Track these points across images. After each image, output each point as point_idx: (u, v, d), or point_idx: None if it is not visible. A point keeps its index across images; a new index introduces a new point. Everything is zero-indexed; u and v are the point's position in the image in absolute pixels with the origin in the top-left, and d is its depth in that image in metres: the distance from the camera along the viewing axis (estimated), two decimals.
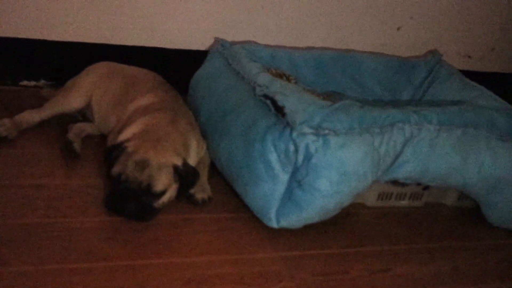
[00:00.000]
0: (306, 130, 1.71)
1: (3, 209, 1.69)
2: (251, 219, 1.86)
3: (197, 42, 2.72)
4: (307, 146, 1.70)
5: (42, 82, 2.63)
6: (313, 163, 1.70)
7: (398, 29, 3.01)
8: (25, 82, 2.62)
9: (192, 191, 1.89)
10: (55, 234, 1.63)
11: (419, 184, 2.04)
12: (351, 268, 1.73)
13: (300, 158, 1.73)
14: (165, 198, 1.78)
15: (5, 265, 1.47)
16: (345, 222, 1.96)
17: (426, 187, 2.10)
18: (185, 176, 1.80)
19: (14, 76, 2.59)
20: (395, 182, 2.01)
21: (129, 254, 1.61)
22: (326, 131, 1.71)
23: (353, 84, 2.66)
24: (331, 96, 2.39)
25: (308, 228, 1.84)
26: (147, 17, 2.62)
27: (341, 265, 1.74)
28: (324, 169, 1.70)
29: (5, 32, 2.48)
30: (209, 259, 1.66)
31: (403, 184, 2.03)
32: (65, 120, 2.25)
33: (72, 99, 2.23)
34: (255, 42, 2.63)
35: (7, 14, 2.45)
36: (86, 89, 2.24)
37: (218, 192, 1.98)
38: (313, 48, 2.76)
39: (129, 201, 1.71)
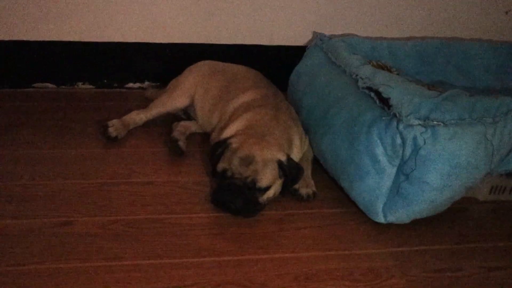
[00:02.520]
0: (414, 121, 1.65)
1: (116, 205, 1.77)
2: (357, 214, 1.83)
3: (296, 37, 2.71)
4: (415, 138, 1.65)
5: (146, 83, 2.72)
6: (422, 156, 1.65)
7: (507, 13, 2.85)
8: (130, 84, 2.72)
9: (296, 186, 1.88)
10: (165, 230, 1.68)
11: None
12: (465, 265, 1.66)
13: (408, 150, 1.68)
14: (270, 193, 1.78)
15: (119, 259, 1.54)
16: (456, 217, 1.88)
17: None
18: (290, 171, 1.79)
19: (120, 79, 2.70)
20: (509, 175, 1.90)
21: (237, 249, 1.63)
22: (435, 122, 1.65)
23: (459, 74, 2.56)
24: (436, 86, 2.30)
25: (417, 223, 1.78)
26: (245, 16, 2.65)
27: (453, 261, 1.67)
28: (434, 162, 1.64)
29: (112, 37, 2.59)
30: (316, 254, 1.64)
31: None
32: (169, 119, 2.32)
33: (175, 98, 2.30)
34: (354, 35, 2.59)
35: (114, 20, 2.56)
36: (189, 88, 2.30)
37: (322, 187, 1.96)
38: (414, 37, 2.67)
39: (235, 196, 1.72)
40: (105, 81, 2.68)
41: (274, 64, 2.66)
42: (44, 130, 2.21)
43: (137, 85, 2.72)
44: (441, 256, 1.69)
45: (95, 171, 1.94)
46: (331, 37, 2.39)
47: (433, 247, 1.73)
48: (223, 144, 1.81)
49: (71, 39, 2.56)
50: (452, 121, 1.67)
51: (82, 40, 2.57)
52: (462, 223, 1.87)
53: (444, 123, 1.66)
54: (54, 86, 2.64)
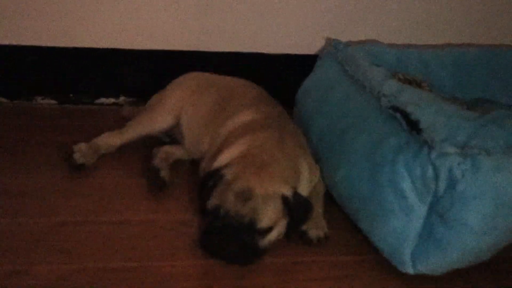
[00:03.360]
0: (449, 149, 1.65)
1: (81, 251, 1.74)
2: (380, 262, 1.82)
3: (305, 45, 2.73)
4: (451, 170, 1.64)
5: (122, 99, 2.73)
6: (460, 192, 1.64)
7: None
8: (102, 100, 2.73)
9: (304, 227, 1.88)
10: (143, 281, 1.66)
11: None
12: None
13: (442, 185, 1.67)
14: (272, 236, 1.77)
15: None
16: (503, 267, 1.87)
17: None
18: (296, 209, 1.78)
19: (90, 93, 2.71)
20: None
21: None
22: (476, 150, 1.65)
23: (506, 90, 2.57)
24: (478, 105, 2.31)
25: (454, 275, 1.76)
26: (244, 18, 2.67)
27: None
28: (475, 199, 1.63)
29: (80, 42, 2.60)
30: None
31: None
32: (150, 143, 2.32)
33: (157, 118, 2.30)
34: (376, 41, 2.61)
35: (83, 22, 2.57)
36: (174, 106, 2.30)
37: (337, 229, 1.96)
38: (450, 45, 2.69)
39: (229, 240, 1.71)
40: (71, 95, 2.69)
41: (278, 77, 2.68)
42: None
43: (111, 100, 2.74)
44: None
45: (56, 207, 1.93)
46: (347, 44, 2.40)
47: None
48: (215, 174, 1.80)
49: (29, 43, 2.57)
50: (498, 149, 1.67)
51: (43, 44, 2.58)
52: (510, 275, 1.86)
53: (487, 152, 1.65)
54: (7, 100, 2.65)
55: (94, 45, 2.60)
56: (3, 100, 2.64)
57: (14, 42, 2.55)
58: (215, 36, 2.68)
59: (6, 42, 2.54)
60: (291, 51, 2.74)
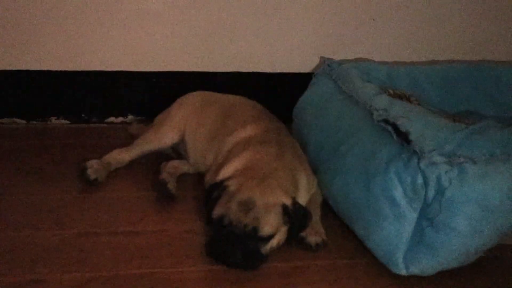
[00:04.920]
0: (438, 158, 1.68)
1: (96, 260, 1.77)
2: (374, 265, 1.85)
3: (300, 64, 2.76)
4: (439, 178, 1.67)
5: (130, 117, 2.77)
6: (448, 198, 1.67)
7: None
8: (111, 119, 2.76)
9: (303, 234, 1.91)
10: (153, 287, 1.68)
11: None
12: None
13: (431, 192, 1.70)
14: (274, 242, 1.81)
15: None
16: (489, 267, 1.89)
17: None
18: (295, 217, 1.82)
19: (100, 113, 2.75)
20: None
21: None
22: (462, 159, 1.68)
23: (489, 102, 2.60)
24: (463, 117, 2.33)
25: (443, 275, 1.79)
26: (243, 40, 2.70)
27: None
28: (462, 205, 1.66)
29: (90, 65, 2.63)
30: None
31: None
32: (157, 159, 2.35)
33: (163, 134, 2.34)
34: (367, 59, 2.64)
35: (92, 46, 2.60)
36: (179, 123, 2.34)
37: (334, 234, 1.98)
38: (437, 61, 2.72)
39: (233, 247, 1.74)
40: (83, 115, 2.73)
41: (276, 94, 2.71)
42: (12, 172, 2.23)
43: (120, 119, 2.77)
44: None
45: (72, 219, 1.96)
46: (341, 62, 2.43)
47: None
48: (219, 186, 1.84)
49: (43, 68, 2.60)
50: (483, 158, 1.69)
51: (56, 68, 2.61)
52: (496, 275, 1.88)
53: (473, 160, 1.68)
54: (23, 121, 2.68)
55: (105, 68, 2.63)
56: (20, 121, 2.67)
57: (27, 67, 2.58)
58: (217, 57, 2.70)
59: (21, 67, 2.57)
60: (287, 70, 2.77)
